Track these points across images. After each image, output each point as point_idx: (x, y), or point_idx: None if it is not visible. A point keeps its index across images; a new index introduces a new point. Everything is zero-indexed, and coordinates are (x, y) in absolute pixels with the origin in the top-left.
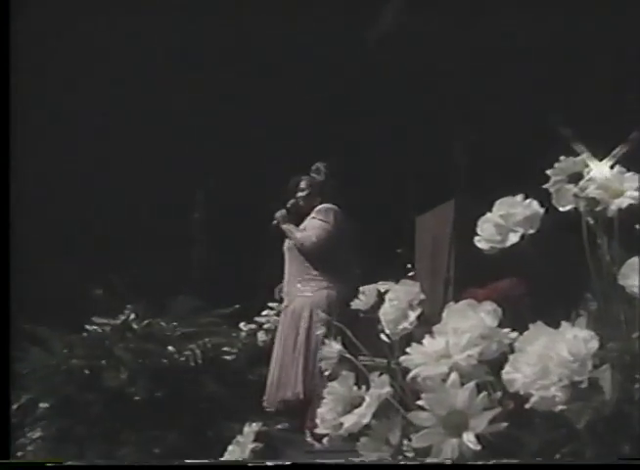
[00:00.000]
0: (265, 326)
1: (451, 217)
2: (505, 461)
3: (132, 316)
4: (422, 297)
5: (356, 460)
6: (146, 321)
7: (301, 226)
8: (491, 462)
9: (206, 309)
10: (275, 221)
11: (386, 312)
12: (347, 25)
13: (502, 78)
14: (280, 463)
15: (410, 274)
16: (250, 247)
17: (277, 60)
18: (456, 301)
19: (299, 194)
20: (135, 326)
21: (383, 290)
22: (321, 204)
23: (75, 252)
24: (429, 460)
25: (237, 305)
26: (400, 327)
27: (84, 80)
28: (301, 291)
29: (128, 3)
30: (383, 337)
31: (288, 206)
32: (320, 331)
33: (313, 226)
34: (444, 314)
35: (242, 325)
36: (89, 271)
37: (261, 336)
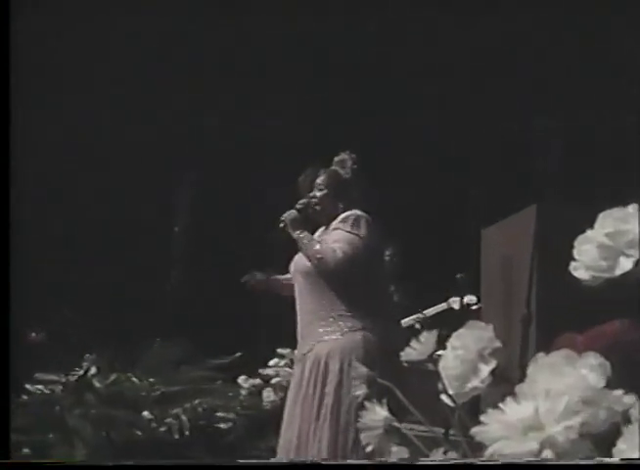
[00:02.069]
0: (273, 381)
1: (532, 231)
2: (505, 461)
3: (93, 371)
4: (497, 344)
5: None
6: (112, 377)
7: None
8: (492, 462)
9: (194, 360)
10: (281, 224)
11: (448, 366)
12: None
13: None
14: (280, 463)
15: (473, 307)
16: (248, 268)
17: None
18: (546, 350)
19: (315, 193)
20: (97, 384)
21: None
22: (345, 210)
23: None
24: (429, 460)
25: (235, 354)
26: (469, 386)
27: (84, 80)
28: (325, 332)
29: (128, 3)
30: (444, 399)
31: (298, 206)
32: (358, 391)
33: (337, 239)
34: (530, 370)
35: (241, 380)
36: (30, 305)
37: (268, 395)
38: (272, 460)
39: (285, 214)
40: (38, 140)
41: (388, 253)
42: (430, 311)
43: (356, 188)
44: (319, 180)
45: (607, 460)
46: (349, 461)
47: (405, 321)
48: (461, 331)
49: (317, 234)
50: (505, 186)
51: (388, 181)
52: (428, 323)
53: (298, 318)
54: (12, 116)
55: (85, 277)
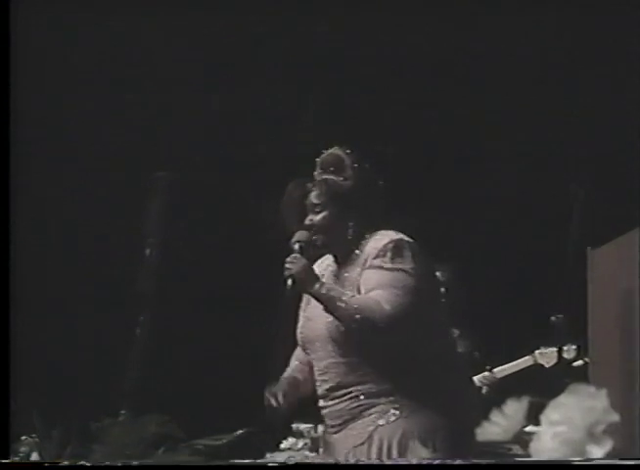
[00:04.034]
0: None
1: None
2: (505, 461)
3: (34, 457)
4: (613, 418)
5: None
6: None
7: (332, 279)
8: (491, 462)
9: (176, 440)
10: (289, 280)
11: (545, 448)
12: None
13: None
14: (280, 463)
15: (575, 363)
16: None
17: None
18: None
19: (312, 217)
20: None
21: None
22: (362, 230)
23: None
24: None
25: (234, 431)
26: None
27: (84, 80)
28: (369, 416)
29: (128, 3)
30: None
31: (296, 246)
32: None
33: (376, 282)
34: None
35: None
36: None
37: None
38: (272, 460)
39: (289, 264)
40: (38, 140)
41: (442, 285)
42: (505, 369)
43: (366, 199)
44: (313, 197)
45: (607, 460)
46: (350, 461)
47: (481, 378)
48: (561, 399)
49: (326, 276)
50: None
51: (423, 182)
52: (500, 386)
53: (321, 396)
54: (12, 116)
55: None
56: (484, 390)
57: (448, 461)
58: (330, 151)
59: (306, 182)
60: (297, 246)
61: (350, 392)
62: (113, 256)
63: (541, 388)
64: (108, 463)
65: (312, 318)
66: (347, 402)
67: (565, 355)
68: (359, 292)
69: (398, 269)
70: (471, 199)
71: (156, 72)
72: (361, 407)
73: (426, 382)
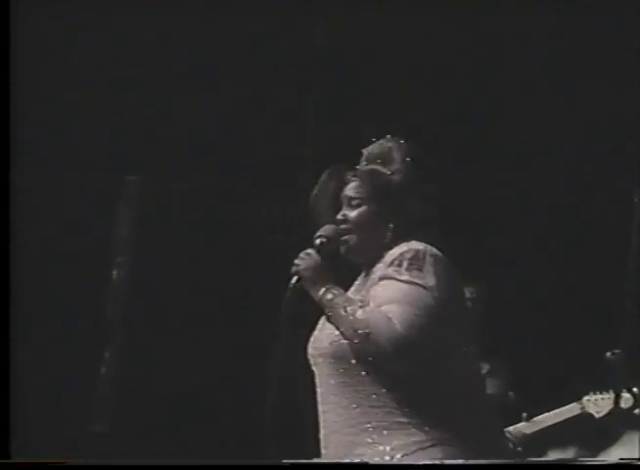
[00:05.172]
0: None
1: None
2: (505, 461)
3: None
4: None
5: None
6: None
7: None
8: (491, 462)
9: None
10: (294, 279)
11: None
12: None
13: None
14: (280, 463)
15: (634, 410)
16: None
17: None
18: None
19: (346, 212)
20: None
21: None
22: (398, 238)
23: None
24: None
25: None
26: None
27: (84, 80)
28: (375, 453)
29: (128, 3)
30: None
31: (317, 241)
32: None
33: (390, 297)
34: None
35: None
36: None
37: None
38: (271, 460)
39: (299, 259)
40: (39, 140)
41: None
42: (545, 420)
43: (415, 198)
44: (351, 190)
45: (607, 460)
46: (350, 461)
47: (510, 431)
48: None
49: (353, 289)
50: None
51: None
52: (535, 438)
53: (323, 427)
54: (12, 116)
55: None
56: (516, 443)
57: (449, 461)
58: (380, 141)
59: (346, 171)
60: (317, 241)
61: (352, 420)
62: (112, 256)
63: (587, 438)
64: (108, 463)
65: (320, 335)
66: (345, 438)
67: (622, 404)
68: (373, 307)
69: (416, 284)
70: (507, 205)
71: (156, 72)
72: (360, 439)
73: (441, 429)
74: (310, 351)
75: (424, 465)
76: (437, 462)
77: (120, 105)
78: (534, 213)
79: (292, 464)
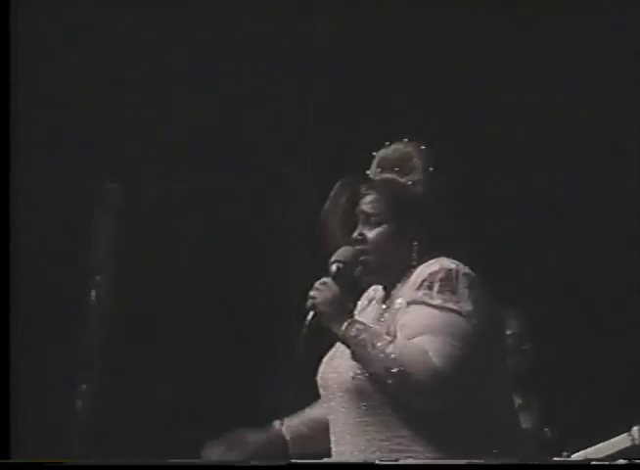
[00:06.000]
0: None
1: None
2: (505, 461)
3: None
4: None
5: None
6: None
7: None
8: (491, 463)
9: None
10: (310, 315)
11: None
12: None
13: None
14: (280, 463)
15: None
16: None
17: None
18: None
19: (363, 230)
20: None
21: None
22: (423, 257)
23: None
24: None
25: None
26: None
27: (84, 80)
28: None
29: (128, 3)
30: None
31: (334, 267)
32: None
33: (420, 326)
34: None
35: None
36: None
37: None
38: (271, 460)
39: (314, 291)
40: (38, 140)
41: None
42: (591, 454)
43: (441, 212)
44: (367, 205)
45: (607, 461)
46: (350, 461)
47: None
48: None
49: (372, 315)
50: None
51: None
52: None
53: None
54: (12, 116)
55: None
56: None
57: (448, 461)
58: (395, 145)
59: (360, 183)
60: (334, 266)
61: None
62: (112, 256)
63: None
64: (108, 463)
65: (338, 357)
66: None
67: None
68: (404, 340)
69: (450, 310)
70: (507, 205)
71: (156, 72)
72: None
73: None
74: (324, 382)
75: (424, 465)
76: (437, 462)
77: (120, 105)
78: (534, 213)
79: (292, 464)
